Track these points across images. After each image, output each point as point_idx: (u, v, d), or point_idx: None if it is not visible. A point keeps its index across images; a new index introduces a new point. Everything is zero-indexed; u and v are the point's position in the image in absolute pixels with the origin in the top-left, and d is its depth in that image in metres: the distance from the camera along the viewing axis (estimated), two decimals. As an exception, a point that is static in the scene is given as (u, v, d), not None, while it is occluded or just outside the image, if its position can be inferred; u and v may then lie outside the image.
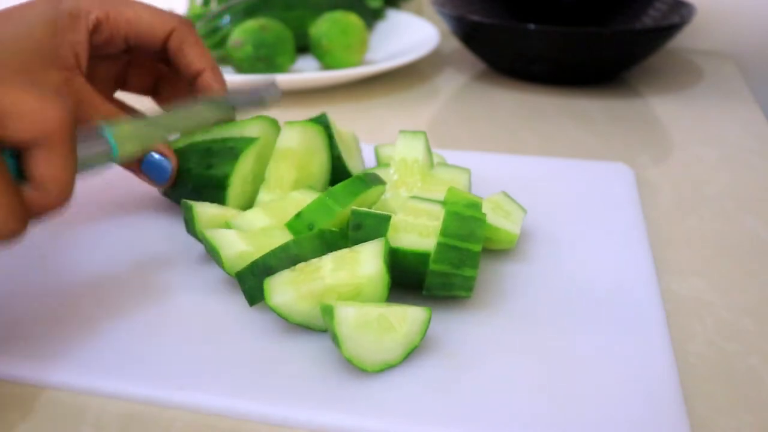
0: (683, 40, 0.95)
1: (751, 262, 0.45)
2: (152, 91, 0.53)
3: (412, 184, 0.45)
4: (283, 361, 0.35)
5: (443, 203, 0.39)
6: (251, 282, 0.37)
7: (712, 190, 0.55)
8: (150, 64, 0.51)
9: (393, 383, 0.34)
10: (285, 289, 0.35)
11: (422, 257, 0.38)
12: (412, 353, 0.35)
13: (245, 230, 0.41)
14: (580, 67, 0.76)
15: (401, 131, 0.47)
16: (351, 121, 0.69)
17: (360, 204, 0.41)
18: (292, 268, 0.36)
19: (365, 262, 0.36)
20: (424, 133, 0.47)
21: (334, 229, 0.39)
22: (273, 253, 0.37)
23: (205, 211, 0.42)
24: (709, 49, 0.94)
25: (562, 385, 0.33)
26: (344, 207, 0.40)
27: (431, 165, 0.47)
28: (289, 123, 0.46)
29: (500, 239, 0.43)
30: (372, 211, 0.39)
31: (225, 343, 0.36)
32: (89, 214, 0.50)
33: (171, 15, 0.48)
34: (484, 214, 0.38)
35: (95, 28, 0.45)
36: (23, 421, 0.32)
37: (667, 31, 0.73)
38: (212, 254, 0.40)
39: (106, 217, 0.49)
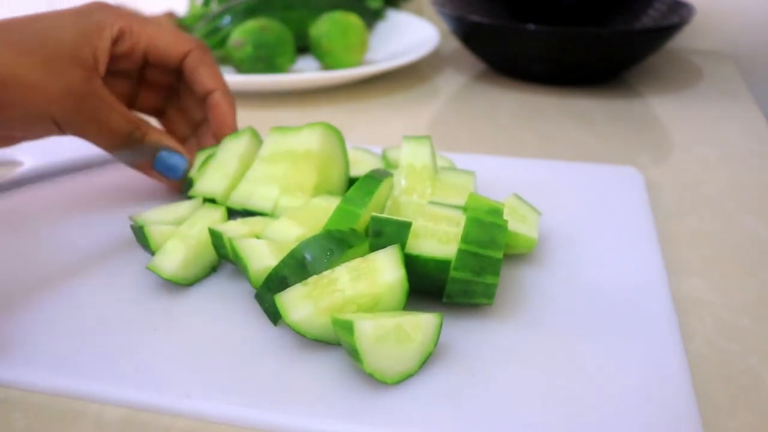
0: (683, 40, 0.95)
1: (751, 262, 0.45)
2: (159, 112, 0.55)
3: (422, 190, 0.45)
4: (295, 371, 0.35)
5: (464, 209, 0.39)
6: (270, 299, 0.36)
7: (712, 190, 0.55)
8: (160, 85, 0.53)
9: (409, 393, 0.33)
10: (303, 305, 0.35)
11: (443, 264, 0.37)
12: (428, 361, 0.35)
13: (276, 241, 0.40)
14: (580, 67, 0.76)
15: (405, 137, 0.47)
16: (351, 122, 0.69)
17: (376, 202, 0.41)
18: (304, 282, 0.35)
19: (384, 270, 0.36)
20: (428, 137, 0.47)
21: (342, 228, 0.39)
22: (283, 262, 0.36)
23: (233, 230, 0.41)
24: (709, 49, 0.94)
25: (578, 394, 0.33)
26: (365, 208, 0.39)
27: (437, 169, 0.47)
28: (309, 125, 0.46)
29: (519, 244, 0.42)
30: (392, 217, 0.38)
31: (234, 353, 0.36)
32: (102, 211, 0.50)
33: (189, 38, 0.51)
34: (506, 221, 0.37)
35: (118, 38, 0.47)
36: (25, 427, 0.32)
37: (666, 31, 0.72)
38: (240, 267, 0.39)
39: (116, 214, 0.49)
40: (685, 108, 0.73)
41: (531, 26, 0.71)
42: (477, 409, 0.32)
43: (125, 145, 0.47)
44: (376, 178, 0.41)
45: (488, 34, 0.76)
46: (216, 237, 0.40)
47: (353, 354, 0.33)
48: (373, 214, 0.38)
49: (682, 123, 0.69)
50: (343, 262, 0.37)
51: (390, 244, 0.37)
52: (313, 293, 0.35)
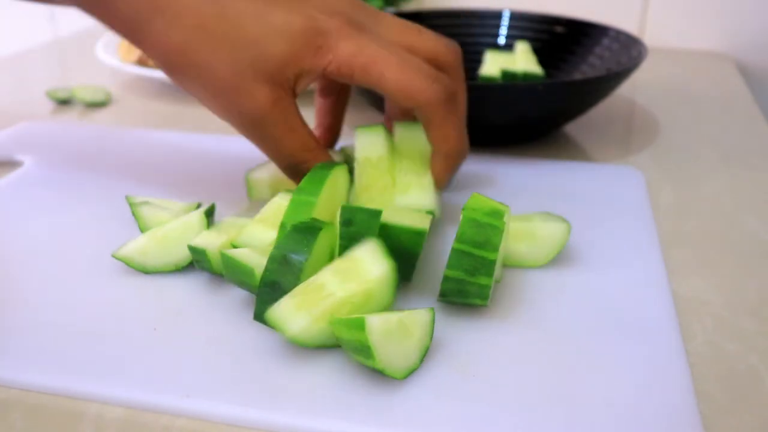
0: (682, 40, 0.95)
1: (751, 262, 0.45)
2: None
3: (383, 186, 0.44)
4: (295, 371, 0.34)
5: (463, 209, 0.39)
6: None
7: (712, 190, 0.55)
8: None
9: (410, 393, 0.33)
10: (297, 316, 0.34)
11: (416, 237, 0.37)
12: (429, 361, 0.35)
13: (254, 247, 0.39)
14: (501, 127, 0.61)
15: (358, 128, 0.45)
16: (350, 122, 0.69)
17: (331, 191, 0.41)
18: (291, 294, 0.35)
19: (370, 265, 0.36)
20: (382, 125, 0.45)
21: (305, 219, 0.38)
22: (267, 270, 0.36)
23: (210, 242, 0.41)
24: (708, 49, 0.94)
25: (578, 394, 0.33)
26: (318, 196, 0.39)
27: (395, 157, 0.45)
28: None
29: (529, 263, 0.42)
30: (362, 206, 0.38)
31: (234, 353, 0.36)
32: (102, 211, 0.50)
33: (426, 87, 0.41)
34: (504, 223, 0.37)
35: (332, 71, 0.42)
36: (25, 427, 0.32)
37: (614, 79, 0.58)
38: (241, 276, 0.38)
39: (116, 214, 0.49)
40: (685, 108, 0.73)
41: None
42: (477, 410, 0.32)
43: (291, 167, 0.44)
44: (326, 166, 0.41)
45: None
46: (198, 253, 0.40)
47: (362, 351, 0.32)
48: (343, 204, 0.38)
49: (682, 123, 0.69)
50: (322, 246, 0.37)
51: (361, 233, 0.37)
52: (303, 304, 0.34)
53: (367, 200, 0.43)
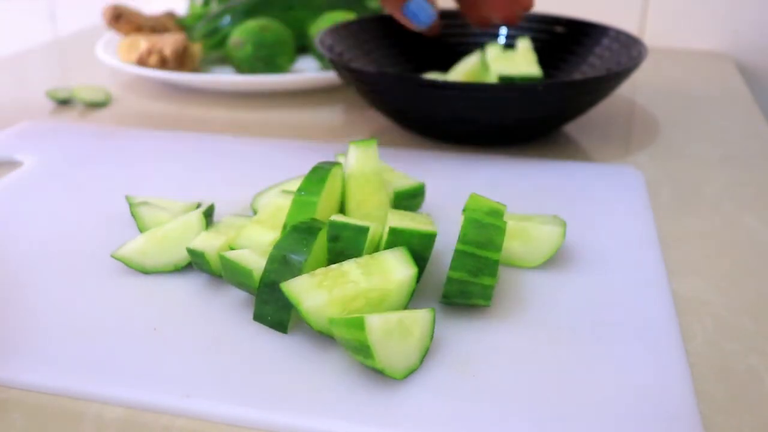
0: (682, 40, 0.95)
1: (751, 262, 0.45)
2: None
3: (378, 204, 0.43)
4: (295, 371, 0.35)
5: (464, 210, 0.39)
6: (270, 310, 0.36)
7: (712, 190, 0.55)
8: None
9: (411, 393, 0.33)
10: (315, 292, 0.34)
11: (426, 240, 0.37)
12: (431, 362, 0.35)
13: (254, 248, 0.39)
14: (502, 128, 0.60)
15: (351, 142, 0.44)
16: (351, 122, 0.69)
17: (330, 191, 0.41)
18: (312, 273, 0.35)
19: (395, 266, 0.36)
20: (374, 143, 0.44)
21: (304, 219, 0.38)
22: (266, 270, 0.36)
23: (210, 244, 0.40)
24: (708, 49, 0.94)
25: (578, 394, 0.33)
26: (319, 195, 0.39)
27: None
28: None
29: (523, 263, 0.42)
30: (350, 222, 0.38)
31: (234, 353, 0.36)
32: (102, 211, 0.50)
33: None
34: (505, 222, 0.38)
35: None
36: (25, 427, 0.32)
37: (614, 79, 0.58)
38: (240, 278, 0.38)
39: (116, 214, 0.49)
40: (685, 108, 0.73)
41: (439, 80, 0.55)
42: (477, 410, 0.32)
43: None
44: (324, 167, 0.41)
45: (385, 87, 0.59)
46: (196, 255, 0.40)
47: (362, 351, 0.32)
48: (332, 218, 0.38)
49: (682, 123, 0.69)
50: (322, 246, 0.37)
51: (347, 248, 0.38)
52: (324, 283, 0.35)
53: (362, 216, 0.43)
